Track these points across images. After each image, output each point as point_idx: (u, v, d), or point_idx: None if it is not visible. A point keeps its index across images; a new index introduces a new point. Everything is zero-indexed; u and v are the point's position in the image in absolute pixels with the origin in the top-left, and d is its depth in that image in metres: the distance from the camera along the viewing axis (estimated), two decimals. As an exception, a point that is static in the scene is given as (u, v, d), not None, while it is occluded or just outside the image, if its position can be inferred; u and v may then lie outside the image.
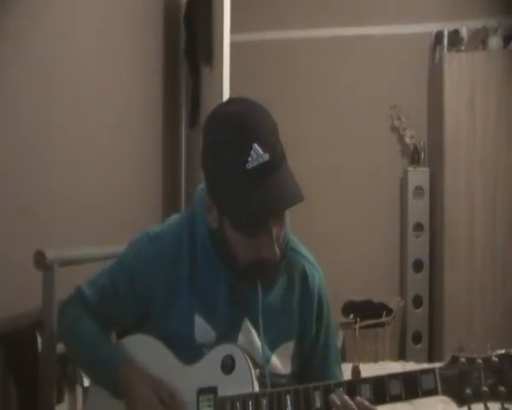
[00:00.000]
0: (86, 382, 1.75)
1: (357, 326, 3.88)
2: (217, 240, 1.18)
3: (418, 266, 4.02)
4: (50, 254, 1.54)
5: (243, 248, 1.11)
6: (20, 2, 1.80)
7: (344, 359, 3.85)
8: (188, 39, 3.36)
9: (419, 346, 4.00)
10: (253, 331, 1.20)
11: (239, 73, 3.31)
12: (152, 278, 1.22)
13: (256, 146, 1.03)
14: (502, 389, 0.96)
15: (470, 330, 3.72)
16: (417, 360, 3.36)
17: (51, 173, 1.99)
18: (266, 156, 1.03)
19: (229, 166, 1.04)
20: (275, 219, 1.09)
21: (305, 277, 1.27)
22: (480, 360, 0.97)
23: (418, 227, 4.03)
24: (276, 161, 1.05)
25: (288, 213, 1.23)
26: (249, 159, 1.02)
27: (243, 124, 1.05)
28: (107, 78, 2.47)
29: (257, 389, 1.11)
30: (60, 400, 1.66)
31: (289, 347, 1.24)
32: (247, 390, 1.10)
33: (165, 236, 1.25)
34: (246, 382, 1.11)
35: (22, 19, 1.81)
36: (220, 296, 1.19)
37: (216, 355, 1.16)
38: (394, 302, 4.03)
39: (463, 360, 0.99)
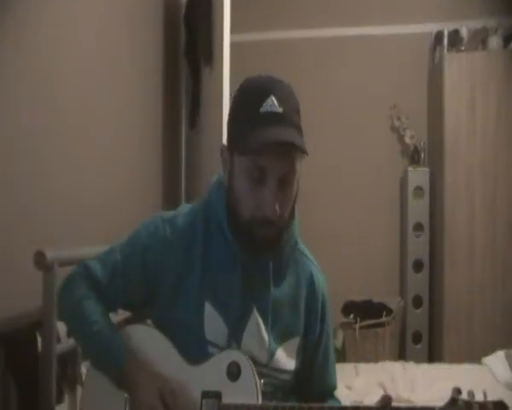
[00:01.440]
0: (86, 382, 1.75)
1: (357, 326, 3.88)
2: (229, 212, 1.19)
3: (418, 266, 4.01)
4: (50, 254, 1.54)
5: (246, 199, 1.14)
6: (21, 2, 1.80)
7: (344, 359, 3.86)
8: (188, 39, 3.36)
9: (419, 346, 4.01)
10: (261, 323, 1.20)
11: (239, 73, 3.30)
12: (164, 259, 1.21)
13: (273, 97, 1.11)
14: None
15: (470, 330, 3.72)
16: (417, 361, 3.36)
17: (51, 173, 1.99)
18: (280, 109, 1.11)
19: (246, 108, 1.13)
20: (278, 177, 1.12)
21: (311, 278, 1.29)
22: (476, 406, 1.01)
23: (418, 227, 4.02)
24: (288, 119, 1.12)
25: (297, 216, 1.25)
26: (264, 104, 1.11)
27: (268, 81, 1.16)
28: (106, 78, 2.47)
29: (261, 400, 1.11)
30: (60, 400, 1.66)
31: (295, 343, 1.25)
32: (252, 401, 1.10)
33: (179, 220, 1.25)
34: (250, 392, 1.11)
35: (22, 19, 1.81)
36: (232, 285, 1.19)
37: (222, 360, 1.15)
38: (394, 302, 4.03)
39: (461, 403, 1.03)
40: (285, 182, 1.13)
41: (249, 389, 1.11)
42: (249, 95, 1.15)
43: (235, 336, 1.19)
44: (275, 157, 1.10)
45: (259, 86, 1.14)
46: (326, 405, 1.09)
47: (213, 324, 1.19)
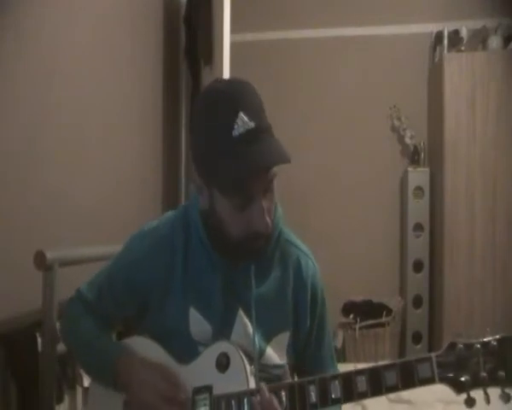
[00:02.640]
0: (86, 382, 1.75)
1: (357, 326, 3.88)
2: (210, 226, 1.18)
3: (418, 266, 4.01)
4: (50, 254, 1.54)
5: (234, 222, 1.11)
6: (21, 1, 1.80)
7: (344, 359, 3.86)
8: (188, 39, 3.36)
9: (419, 346, 4.00)
10: (248, 322, 1.20)
11: (239, 73, 3.29)
12: (148, 271, 1.23)
13: (242, 114, 1.05)
14: (501, 373, 0.93)
15: (470, 330, 3.71)
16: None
17: (51, 173, 1.99)
18: (252, 124, 1.05)
19: (216, 134, 1.06)
20: (263, 190, 1.09)
21: (298, 266, 1.27)
22: (478, 345, 0.96)
23: (418, 227, 4.02)
24: (262, 129, 1.07)
25: (281, 207, 1.24)
26: (235, 126, 1.04)
27: (229, 95, 1.08)
28: (107, 78, 2.47)
29: (252, 385, 1.11)
30: (60, 400, 1.66)
31: (284, 338, 1.24)
32: (242, 388, 1.10)
33: (160, 229, 1.26)
34: (241, 379, 1.11)
35: (23, 18, 1.81)
36: (214, 288, 1.19)
37: (211, 354, 1.15)
38: (394, 302, 4.03)
39: (461, 345, 0.96)
40: (268, 191, 1.12)
41: (239, 376, 1.11)
42: (216, 118, 1.07)
43: (222, 337, 1.18)
44: (258, 178, 1.08)
45: (224, 105, 1.06)
46: (316, 377, 1.07)
47: (199, 327, 1.19)
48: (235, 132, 1.04)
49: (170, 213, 1.32)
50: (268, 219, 1.10)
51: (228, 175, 1.05)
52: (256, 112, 1.07)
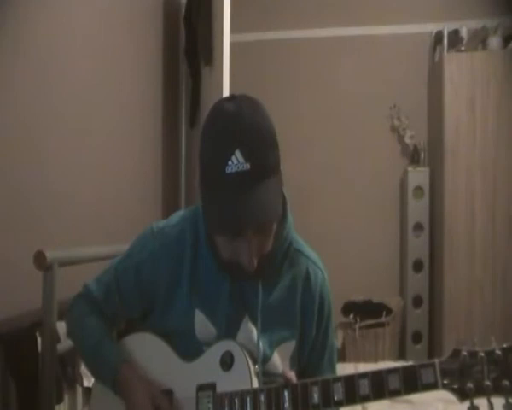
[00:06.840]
0: (86, 382, 1.75)
1: (357, 326, 3.88)
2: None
3: (418, 266, 4.01)
4: (50, 254, 1.54)
5: (223, 247, 1.12)
6: (21, 2, 1.80)
7: (344, 359, 3.86)
8: (188, 39, 3.36)
9: (419, 346, 4.01)
10: (253, 329, 1.20)
11: (239, 73, 3.31)
12: (156, 272, 1.23)
13: (238, 152, 1.01)
14: (506, 382, 0.92)
15: (470, 330, 3.72)
16: (417, 360, 3.35)
17: (51, 173, 1.99)
18: (247, 166, 1.01)
19: (211, 163, 1.04)
20: (254, 231, 1.06)
21: (307, 277, 1.26)
22: (482, 354, 0.94)
23: (418, 227, 4.02)
24: (258, 174, 1.02)
25: (291, 214, 1.24)
26: (229, 163, 1.01)
27: (233, 126, 1.03)
28: (106, 78, 2.47)
29: (255, 385, 1.11)
30: (60, 400, 1.66)
31: (290, 347, 1.24)
32: (246, 386, 1.11)
33: (169, 231, 1.26)
34: (244, 378, 1.12)
35: (22, 19, 1.81)
36: (222, 293, 1.20)
37: (215, 352, 1.16)
38: (394, 302, 4.03)
39: (465, 353, 0.95)
40: (262, 230, 1.09)
41: (243, 376, 1.12)
42: (215, 148, 1.03)
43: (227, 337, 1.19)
44: (244, 226, 1.05)
45: (224, 137, 1.02)
46: (319, 378, 1.07)
47: (204, 329, 1.20)
48: (228, 169, 1.00)
49: (179, 213, 1.31)
50: (254, 258, 1.08)
51: (213, 218, 1.05)
52: (256, 150, 1.02)
